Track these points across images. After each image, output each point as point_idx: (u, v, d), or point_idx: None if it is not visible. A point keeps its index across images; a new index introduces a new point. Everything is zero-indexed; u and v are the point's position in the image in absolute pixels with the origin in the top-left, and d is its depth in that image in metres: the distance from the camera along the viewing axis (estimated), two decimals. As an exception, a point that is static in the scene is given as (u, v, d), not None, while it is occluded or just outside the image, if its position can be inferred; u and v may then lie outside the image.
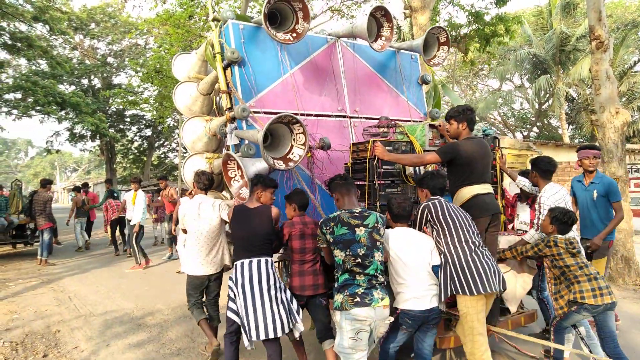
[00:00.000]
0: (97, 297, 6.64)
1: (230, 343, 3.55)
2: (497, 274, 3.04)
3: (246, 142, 4.05)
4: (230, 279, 3.36)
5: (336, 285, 2.86)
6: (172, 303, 6.14)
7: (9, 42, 16.56)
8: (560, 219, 3.44)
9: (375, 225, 2.89)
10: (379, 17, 4.69)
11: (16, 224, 10.15)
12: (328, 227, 2.92)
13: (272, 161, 3.70)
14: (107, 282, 7.68)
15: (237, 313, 3.27)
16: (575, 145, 16.80)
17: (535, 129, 25.76)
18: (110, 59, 25.51)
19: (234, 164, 3.97)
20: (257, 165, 3.90)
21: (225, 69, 4.28)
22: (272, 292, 3.23)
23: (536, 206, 3.84)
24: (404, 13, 12.67)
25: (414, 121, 5.21)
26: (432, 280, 3.04)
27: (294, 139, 3.87)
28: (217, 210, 3.98)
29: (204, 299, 4.21)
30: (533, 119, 25.45)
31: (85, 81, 24.47)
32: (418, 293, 2.94)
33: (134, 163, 31.41)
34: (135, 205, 8.55)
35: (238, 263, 3.29)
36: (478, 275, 2.94)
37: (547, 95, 22.95)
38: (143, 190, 9.14)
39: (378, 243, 2.87)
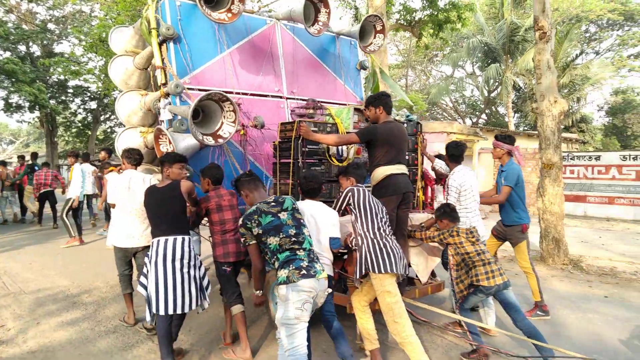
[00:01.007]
0: (30, 275, 6.43)
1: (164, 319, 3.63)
2: (402, 259, 3.42)
3: (179, 117, 4.22)
4: (147, 255, 3.53)
5: (276, 265, 2.89)
6: (111, 281, 5.98)
7: None
8: (446, 212, 3.89)
9: (293, 206, 3.13)
10: (317, 2, 4.93)
11: None
12: (253, 221, 2.93)
13: (201, 137, 3.90)
14: (42, 258, 7.45)
15: (146, 287, 3.43)
16: (519, 133, 17.87)
17: (484, 116, 26.93)
18: (51, 26, 24.16)
19: (166, 138, 4.14)
20: (188, 141, 4.10)
21: (160, 44, 4.41)
22: (185, 269, 3.40)
23: (446, 187, 4.28)
24: None
25: (343, 104, 5.51)
26: (326, 250, 3.38)
27: (224, 117, 4.08)
28: (147, 185, 4.13)
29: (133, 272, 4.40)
30: (482, 106, 26.58)
31: (22, 48, 23.09)
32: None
33: (77, 137, 30.15)
34: (72, 180, 8.43)
35: (154, 241, 3.46)
36: (388, 257, 3.30)
37: (497, 83, 24.01)
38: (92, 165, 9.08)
39: (302, 220, 3.11)
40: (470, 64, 25.70)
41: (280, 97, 5.07)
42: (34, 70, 20.40)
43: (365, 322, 3.49)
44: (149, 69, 4.85)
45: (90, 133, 28.22)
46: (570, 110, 22.28)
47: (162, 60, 4.37)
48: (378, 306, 3.64)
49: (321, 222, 3.39)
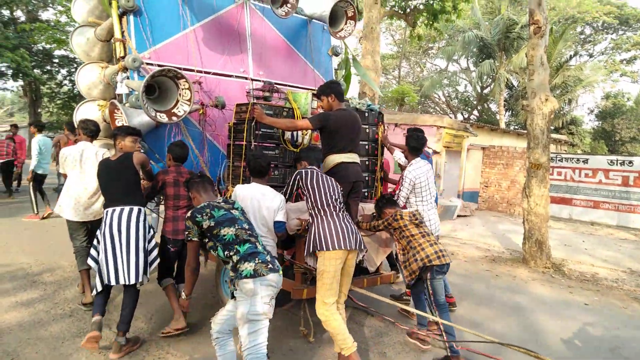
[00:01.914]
0: None
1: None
2: (354, 234, 3.41)
3: (136, 92, 4.20)
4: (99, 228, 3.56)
5: (235, 258, 2.75)
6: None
7: None
8: (384, 202, 3.99)
9: (242, 208, 3.12)
10: (286, -17, 4.89)
11: None
12: (204, 214, 2.84)
13: (153, 113, 3.88)
14: (8, 233, 7.29)
15: (96, 260, 3.47)
16: (509, 131, 17.99)
17: (475, 112, 27.01)
18: (37, -10, 23.67)
19: (121, 113, 4.13)
20: (143, 117, 4.08)
21: (120, 16, 4.36)
22: (134, 240, 3.42)
23: (401, 179, 4.32)
24: None
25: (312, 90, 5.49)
26: (269, 233, 3.43)
27: (180, 94, 4.06)
28: (99, 159, 4.14)
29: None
30: (475, 102, 26.65)
31: (6, 12, 22.64)
32: None
33: (62, 109, 29.72)
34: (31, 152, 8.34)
35: (106, 210, 3.49)
36: (336, 234, 3.31)
37: (490, 80, 24.06)
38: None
39: (250, 221, 3.09)
40: (465, 58, 25.71)
41: (246, 79, 5.05)
42: (17, 37, 20.03)
43: (335, 324, 3.32)
44: (111, 41, 4.80)
45: (75, 105, 27.89)
46: (561, 112, 22.43)
47: (122, 33, 4.33)
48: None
49: (266, 204, 3.42)
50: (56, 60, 26.33)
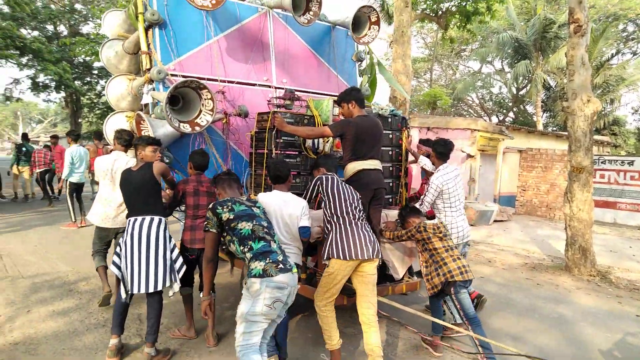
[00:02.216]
0: (32, 257, 6.46)
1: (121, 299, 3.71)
2: (371, 243, 3.39)
3: (161, 103, 4.30)
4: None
5: (249, 255, 2.79)
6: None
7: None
8: (408, 211, 3.98)
9: (264, 208, 3.18)
10: (308, -9, 4.91)
11: None
12: (226, 206, 2.90)
13: (177, 124, 3.97)
14: (48, 241, 7.49)
15: (119, 267, 3.54)
16: (548, 133, 17.42)
17: (511, 114, 26.30)
18: (78, 6, 24.78)
19: (146, 124, 4.24)
20: (167, 127, 4.18)
21: (146, 29, 4.49)
22: (154, 249, 3.48)
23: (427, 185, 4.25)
24: None
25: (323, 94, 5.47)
26: (294, 239, 3.42)
27: (202, 105, 4.14)
28: None
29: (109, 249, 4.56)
30: (510, 104, 25.96)
31: (50, 27, 23.80)
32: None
33: (101, 119, 30.90)
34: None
35: (129, 220, 3.57)
36: (353, 243, 3.31)
37: (526, 81, 23.40)
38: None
39: (270, 221, 3.14)
40: (499, 59, 25.10)
41: (269, 87, 5.09)
42: (59, 50, 20.99)
43: (328, 320, 3.47)
44: (138, 53, 4.94)
45: (113, 115, 28.93)
46: (603, 112, 21.55)
47: (148, 45, 4.46)
48: (345, 302, 3.69)
49: (290, 211, 3.41)
50: (95, 72, 27.43)
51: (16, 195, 11.98)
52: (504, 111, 26.93)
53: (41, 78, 23.01)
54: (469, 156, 17.05)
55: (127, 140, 4.41)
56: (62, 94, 25.27)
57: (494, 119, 26.53)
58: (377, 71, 6.06)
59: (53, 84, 23.39)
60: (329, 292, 3.42)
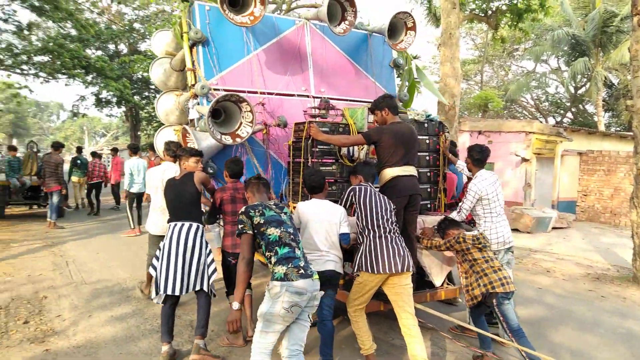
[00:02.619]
0: (94, 265, 6.81)
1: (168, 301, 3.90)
2: (402, 257, 3.43)
3: (204, 117, 4.56)
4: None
5: (273, 259, 2.93)
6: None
7: (37, 3, 17.45)
8: (447, 224, 4.00)
9: (290, 214, 3.29)
10: (343, 2, 5.03)
11: (29, 185, 10.87)
12: (257, 210, 3.05)
13: (219, 136, 4.20)
14: (110, 249, 7.90)
15: (156, 269, 3.76)
16: (610, 134, 16.52)
17: (569, 114, 25.08)
18: (136, 25, 26.30)
19: (192, 137, 4.51)
20: (210, 140, 4.42)
21: (191, 47, 4.78)
22: (189, 254, 3.69)
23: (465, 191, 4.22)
24: None
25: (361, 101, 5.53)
26: (333, 247, 3.50)
27: (242, 117, 4.35)
28: None
29: None
30: (568, 104, 24.77)
31: (112, 46, 25.41)
32: (313, 256, 3.41)
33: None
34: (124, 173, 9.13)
35: (169, 225, 3.81)
36: (381, 257, 3.37)
37: (585, 79, 22.27)
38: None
39: (295, 227, 3.26)
40: (555, 58, 24.06)
41: (307, 97, 5.25)
42: (120, 68, 22.40)
43: (359, 325, 3.56)
44: (184, 70, 5.26)
45: (169, 127, 30.38)
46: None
47: (192, 62, 4.74)
48: (382, 308, 3.75)
49: (329, 218, 3.53)
50: (153, 87, 28.91)
51: (77, 205, 12.87)
52: (562, 112, 25.75)
53: (104, 94, 24.61)
54: (524, 160, 16.44)
55: (175, 151, 4.70)
56: (123, 108, 26.86)
57: (551, 121, 25.41)
58: (416, 76, 6.07)
59: (114, 100, 24.96)
60: (358, 300, 3.52)
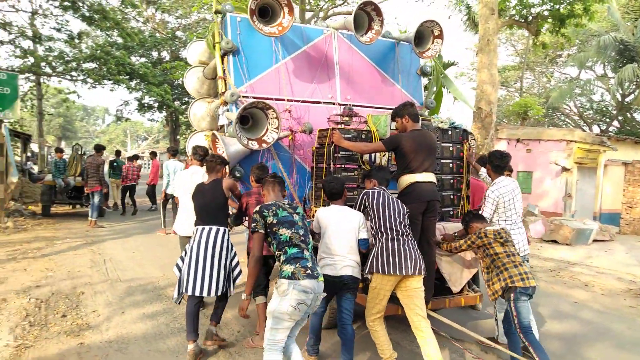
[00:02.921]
0: (129, 263, 7.13)
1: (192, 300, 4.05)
2: (413, 259, 3.51)
3: (233, 123, 4.78)
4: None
5: (282, 258, 3.10)
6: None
7: (87, 14, 18.49)
8: (471, 217, 4.04)
9: (304, 214, 3.45)
10: (370, 12, 5.15)
11: (72, 186, 11.45)
12: (270, 210, 3.22)
13: (245, 141, 4.40)
14: (145, 248, 8.22)
15: (180, 269, 4.00)
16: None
17: (615, 123, 24.07)
18: (179, 33, 27.30)
19: (220, 142, 4.73)
20: (238, 145, 4.63)
21: (222, 57, 5.02)
22: (217, 258, 3.89)
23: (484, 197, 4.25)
24: None
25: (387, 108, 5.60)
26: (351, 252, 3.59)
27: (269, 123, 4.53)
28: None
29: None
30: (614, 112, 23.78)
31: (154, 53, 26.46)
32: (331, 260, 3.53)
33: (197, 135, 33.57)
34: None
35: (195, 228, 4.03)
36: (392, 259, 3.47)
37: (633, 86, 21.36)
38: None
39: (307, 228, 3.40)
40: (601, 64, 23.18)
41: (333, 104, 5.39)
42: (162, 74, 23.32)
43: (378, 334, 3.63)
44: (216, 78, 5.51)
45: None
46: None
47: (223, 71, 4.98)
48: (399, 312, 3.81)
49: (348, 224, 3.64)
50: (192, 93, 29.70)
51: (116, 206, 13.46)
52: (607, 120, 24.77)
53: (146, 99, 25.67)
54: (564, 169, 15.98)
55: (202, 155, 4.96)
56: (164, 113, 27.90)
57: (595, 129, 24.49)
58: (443, 83, 6.11)
59: (156, 105, 25.98)
60: (375, 308, 3.59)
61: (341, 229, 3.62)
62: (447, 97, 6.17)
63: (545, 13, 14.73)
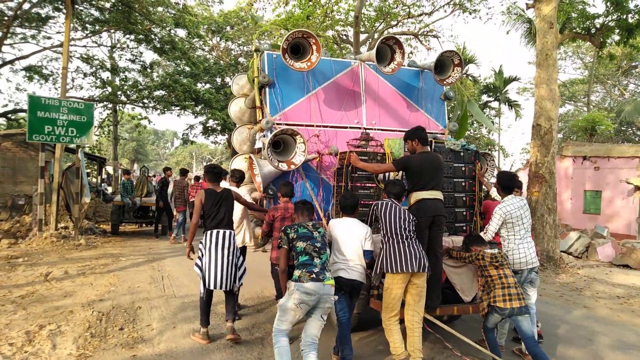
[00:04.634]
0: (185, 280, 7.63)
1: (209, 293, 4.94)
2: (418, 259, 4.07)
3: (266, 147, 5.59)
4: (201, 242, 4.92)
5: (296, 264, 3.84)
6: (247, 294, 6.75)
7: (158, 45, 20.58)
8: (471, 240, 4.56)
9: (325, 233, 4.12)
10: (392, 45, 5.82)
11: (139, 205, 12.64)
12: (292, 229, 3.94)
13: (276, 163, 5.18)
14: None
15: (200, 268, 4.82)
16: None
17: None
18: (241, 59, 29.24)
19: (255, 164, 5.56)
20: (270, 166, 5.42)
21: (260, 89, 5.88)
22: (230, 257, 4.78)
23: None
24: (527, 4, 12.30)
25: (430, 133, 6.17)
26: (358, 260, 4.21)
27: (297, 147, 5.30)
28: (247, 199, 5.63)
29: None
30: (699, 126, 22.32)
31: (218, 79, 28.48)
32: (346, 266, 4.16)
33: (255, 157, 35.28)
34: None
35: (208, 232, 4.84)
36: (400, 258, 4.03)
37: None
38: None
39: (327, 243, 4.09)
40: (682, 74, 21.98)
41: (359, 128, 6.06)
42: (225, 99, 25.15)
43: (392, 333, 4.14)
44: (254, 108, 6.38)
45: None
46: None
47: (260, 101, 5.84)
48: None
49: (355, 234, 4.28)
50: (253, 116, 31.43)
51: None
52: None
53: (210, 123, 27.64)
54: (637, 188, 15.33)
55: (238, 177, 5.86)
56: (226, 136, 29.78)
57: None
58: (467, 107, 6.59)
59: (219, 128, 27.85)
60: (389, 309, 4.13)
61: (350, 237, 4.26)
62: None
63: (611, 24, 14.35)
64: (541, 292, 7.57)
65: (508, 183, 4.72)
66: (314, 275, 3.70)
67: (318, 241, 3.94)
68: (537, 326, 5.01)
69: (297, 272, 3.76)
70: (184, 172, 12.08)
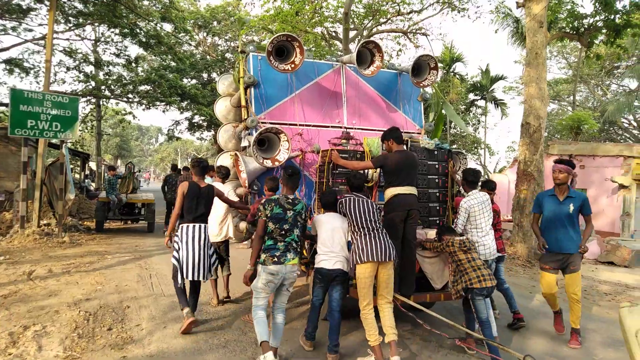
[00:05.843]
0: None
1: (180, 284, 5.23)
2: (385, 249, 4.44)
3: (251, 145, 5.99)
4: (177, 235, 5.20)
5: (263, 247, 4.36)
6: (237, 292, 6.78)
7: (144, 39, 20.72)
8: (443, 230, 5.01)
9: (301, 210, 4.53)
10: (372, 49, 6.26)
11: (125, 202, 12.58)
12: (269, 206, 4.34)
13: (261, 160, 5.59)
14: None
15: (177, 260, 5.16)
16: None
17: (682, 138, 23.42)
18: (228, 55, 29.46)
19: (241, 161, 5.96)
20: (256, 163, 5.83)
21: (245, 89, 6.28)
22: (204, 249, 5.22)
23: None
24: (517, 2, 12.48)
25: (407, 133, 6.63)
26: (342, 251, 4.61)
27: (281, 145, 5.71)
28: (232, 196, 6.03)
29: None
30: (680, 126, 23.19)
31: (205, 75, 28.69)
32: (326, 257, 4.57)
33: (243, 153, 35.57)
34: None
35: (184, 226, 5.20)
36: (368, 249, 4.41)
37: (699, 98, 20.88)
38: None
39: (299, 223, 4.51)
40: (664, 75, 22.79)
41: (340, 127, 6.49)
42: (211, 94, 25.39)
43: (368, 321, 4.46)
44: (240, 107, 6.78)
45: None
46: None
47: (246, 100, 6.24)
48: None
49: (338, 227, 4.67)
50: (240, 112, 31.67)
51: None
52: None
53: (196, 119, 27.85)
54: (622, 187, 15.93)
55: (224, 174, 6.23)
56: (212, 132, 30.04)
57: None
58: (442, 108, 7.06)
59: (205, 124, 28.07)
60: (362, 297, 4.49)
61: (334, 231, 4.65)
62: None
63: (599, 24, 14.47)
64: (530, 289, 7.95)
65: (472, 178, 5.20)
66: (275, 259, 4.28)
67: (288, 222, 4.39)
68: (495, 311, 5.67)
69: (262, 256, 4.33)
70: (187, 169, 12.29)
